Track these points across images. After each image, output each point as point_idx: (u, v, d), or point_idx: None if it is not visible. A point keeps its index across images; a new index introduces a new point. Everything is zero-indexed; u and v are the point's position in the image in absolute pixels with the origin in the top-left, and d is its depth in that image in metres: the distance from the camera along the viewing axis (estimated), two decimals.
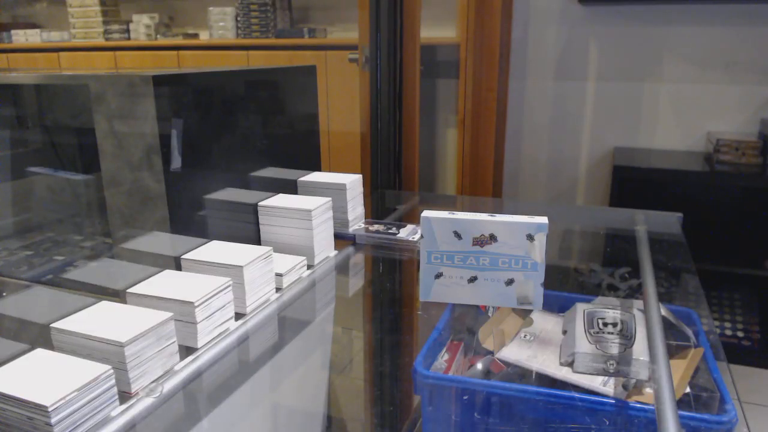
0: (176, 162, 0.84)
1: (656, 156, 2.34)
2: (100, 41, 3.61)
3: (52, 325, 0.67)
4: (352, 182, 1.15)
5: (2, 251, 1.11)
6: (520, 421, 0.58)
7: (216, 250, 0.88)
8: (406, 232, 1.17)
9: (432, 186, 2.89)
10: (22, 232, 1.20)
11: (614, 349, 0.89)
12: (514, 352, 0.85)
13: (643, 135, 2.42)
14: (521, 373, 0.82)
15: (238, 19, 3.24)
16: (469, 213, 0.76)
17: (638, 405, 0.74)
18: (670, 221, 1.35)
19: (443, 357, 0.94)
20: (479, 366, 0.91)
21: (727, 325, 2.15)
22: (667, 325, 0.91)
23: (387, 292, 1.18)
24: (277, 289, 0.92)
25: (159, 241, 0.86)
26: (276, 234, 1.03)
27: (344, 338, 1.17)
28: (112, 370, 0.61)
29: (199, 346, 0.75)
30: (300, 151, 1.21)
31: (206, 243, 0.91)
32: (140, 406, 0.64)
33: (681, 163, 2.24)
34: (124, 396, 0.65)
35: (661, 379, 0.65)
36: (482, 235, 0.72)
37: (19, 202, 1.22)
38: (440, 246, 0.75)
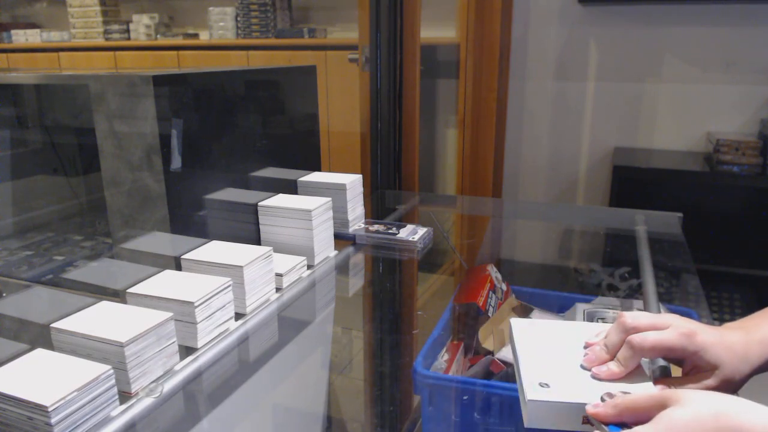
0: (176, 162, 0.84)
1: (656, 156, 2.34)
2: (100, 41, 3.61)
3: (52, 325, 0.67)
4: (352, 182, 1.15)
5: (2, 251, 1.11)
6: (519, 421, 0.58)
7: (216, 250, 0.88)
8: (406, 232, 1.17)
9: (432, 186, 2.89)
10: (22, 232, 1.20)
11: None
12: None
13: (643, 135, 2.42)
14: None
15: (238, 19, 3.24)
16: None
17: None
18: (670, 221, 1.35)
19: (443, 357, 0.94)
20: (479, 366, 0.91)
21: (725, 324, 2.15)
22: None
23: (387, 292, 1.18)
24: (277, 289, 0.92)
25: (159, 241, 0.86)
26: (276, 234, 1.03)
27: (344, 338, 1.17)
28: (112, 370, 0.61)
29: (199, 346, 0.75)
30: (300, 151, 1.21)
31: (206, 243, 0.91)
32: (140, 406, 0.64)
33: (681, 163, 2.24)
34: (124, 396, 0.65)
35: None
36: None
37: (19, 202, 1.22)
38: None
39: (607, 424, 0.52)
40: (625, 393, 0.55)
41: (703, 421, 0.46)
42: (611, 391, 0.56)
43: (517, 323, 0.68)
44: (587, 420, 0.54)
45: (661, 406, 0.49)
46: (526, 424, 0.56)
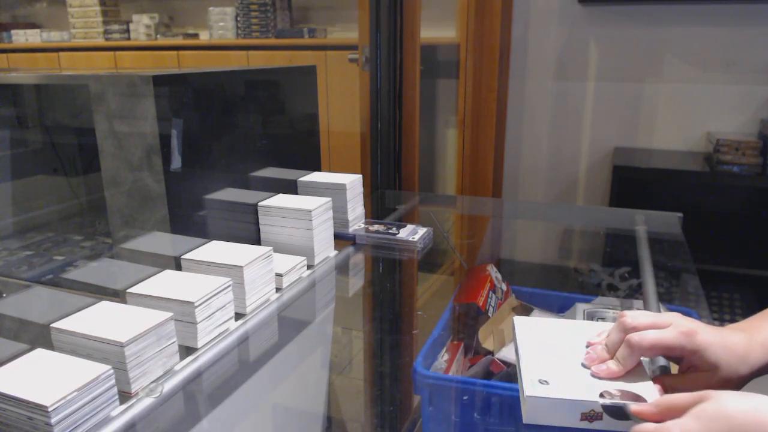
0: (176, 162, 0.84)
1: (656, 156, 2.34)
2: (100, 41, 3.61)
3: (52, 325, 0.67)
4: (352, 182, 1.15)
5: (2, 251, 1.11)
6: (520, 421, 0.58)
7: (216, 250, 0.88)
8: (406, 232, 1.17)
9: (432, 186, 2.89)
10: (22, 232, 1.20)
11: None
12: (513, 352, 0.85)
13: (643, 135, 2.42)
14: None
15: (238, 19, 3.24)
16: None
17: None
18: (670, 221, 1.35)
19: (443, 357, 0.94)
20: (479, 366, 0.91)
21: (727, 325, 2.15)
22: None
23: (387, 292, 1.18)
24: (277, 289, 0.92)
25: (159, 241, 0.86)
26: (276, 234, 1.03)
27: (344, 338, 1.17)
28: (112, 370, 0.61)
29: (199, 346, 0.75)
30: (300, 151, 1.21)
31: (206, 243, 0.91)
32: (140, 406, 0.64)
33: (681, 163, 2.24)
34: (124, 396, 0.65)
35: None
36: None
37: (19, 202, 1.22)
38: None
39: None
40: (625, 391, 0.56)
41: (731, 414, 0.48)
42: (610, 389, 0.56)
43: (519, 321, 0.69)
44: (586, 417, 0.55)
45: (698, 403, 0.50)
46: (525, 421, 0.57)
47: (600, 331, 0.65)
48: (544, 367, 0.60)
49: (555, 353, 0.63)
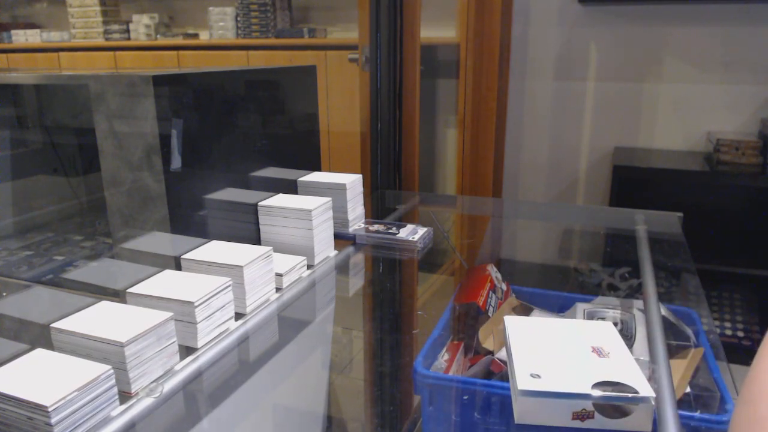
0: (176, 162, 0.84)
1: (656, 156, 2.34)
2: (100, 41, 3.61)
3: (52, 325, 0.67)
4: (352, 182, 1.15)
5: (2, 251, 1.11)
6: (512, 421, 0.58)
7: (216, 250, 0.88)
8: (406, 232, 1.17)
9: (432, 186, 2.89)
10: (22, 232, 1.20)
11: None
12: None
13: (643, 135, 2.42)
14: None
15: (238, 19, 3.24)
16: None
17: None
18: (670, 221, 1.35)
19: (443, 357, 0.94)
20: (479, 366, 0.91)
21: (727, 325, 2.15)
22: (667, 325, 0.91)
23: (387, 292, 1.18)
24: (277, 289, 0.92)
25: (159, 241, 0.86)
26: (276, 234, 1.03)
27: (344, 338, 1.17)
28: (112, 370, 0.61)
29: (199, 346, 0.75)
30: (300, 151, 1.21)
31: (206, 243, 0.91)
32: (140, 406, 0.64)
33: (681, 163, 2.24)
34: (124, 396, 0.65)
35: (661, 379, 0.65)
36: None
37: (19, 202, 1.22)
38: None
39: None
40: (615, 383, 0.56)
41: None
42: (603, 383, 0.57)
43: (510, 320, 0.70)
44: (577, 416, 0.55)
45: None
46: (517, 420, 0.57)
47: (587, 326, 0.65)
48: (536, 363, 0.61)
49: (547, 351, 0.64)
